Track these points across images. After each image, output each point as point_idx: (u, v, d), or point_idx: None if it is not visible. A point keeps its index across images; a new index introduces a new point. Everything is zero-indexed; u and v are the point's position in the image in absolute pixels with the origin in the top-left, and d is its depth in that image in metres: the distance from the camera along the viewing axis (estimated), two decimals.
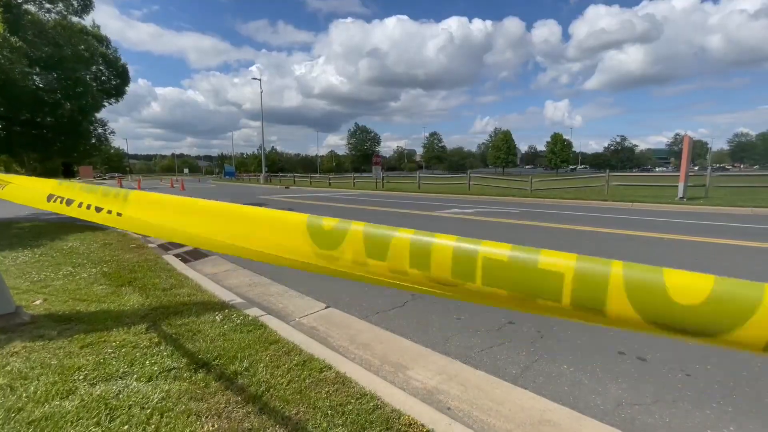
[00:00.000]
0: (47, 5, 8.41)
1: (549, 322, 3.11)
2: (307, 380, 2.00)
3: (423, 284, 0.53)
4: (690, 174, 12.88)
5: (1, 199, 1.76)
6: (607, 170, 17.47)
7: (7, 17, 7.44)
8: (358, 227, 0.57)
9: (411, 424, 1.68)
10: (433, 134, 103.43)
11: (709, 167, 15.36)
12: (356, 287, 4.06)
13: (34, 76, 8.53)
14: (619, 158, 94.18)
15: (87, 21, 10.09)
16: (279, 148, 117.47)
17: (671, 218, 9.24)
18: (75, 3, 9.06)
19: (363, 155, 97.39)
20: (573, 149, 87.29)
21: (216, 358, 2.24)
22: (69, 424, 1.59)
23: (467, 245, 0.52)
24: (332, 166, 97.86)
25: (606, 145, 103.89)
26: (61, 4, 8.41)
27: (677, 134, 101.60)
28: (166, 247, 6.25)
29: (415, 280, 0.53)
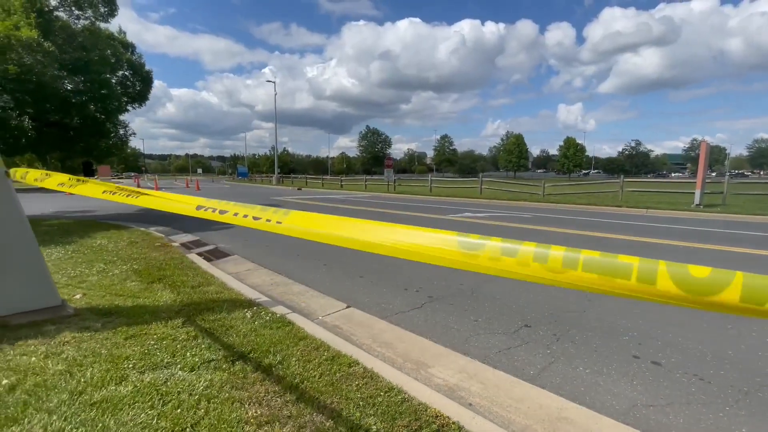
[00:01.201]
0: (77, 12, 8.79)
1: (565, 325, 3.20)
2: (337, 374, 2.14)
3: (539, 273, 0.77)
4: (707, 180, 12.73)
5: (143, 207, 1.92)
6: (622, 176, 17.34)
7: (39, 22, 7.80)
8: (495, 242, 0.82)
9: (437, 416, 1.80)
10: (444, 137, 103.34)
11: (727, 173, 15.15)
12: (374, 289, 4.19)
13: (64, 80, 8.91)
14: (634, 163, 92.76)
15: (113, 27, 10.50)
16: (290, 150, 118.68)
17: (687, 225, 9.17)
18: (102, 9, 9.44)
19: (374, 157, 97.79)
20: (586, 153, 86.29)
21: (250, 351, 2.39)
22: (127, 406, 1.76)
23: (572, 253, 0.78)
24: (343, 167, 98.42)
25: (620, 150, 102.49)
26: (89, 11, 8.79)
27: (694, 139, 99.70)
28: (188, 246, 6.48)
29: (535, 271, 0.77)
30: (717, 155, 57.44)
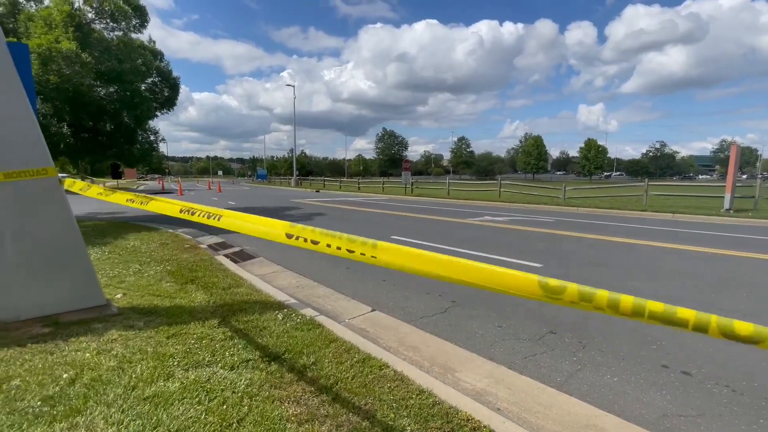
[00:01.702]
0: (112, 24, 9.24)
1: (591, 332, 3.20)
2: (369, 376, 2.22)
3: (611, 315, 0.94)
4: (738, 184, 12.29)
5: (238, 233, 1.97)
6: (646, 179, 16.90)
7: (78, 36, 8.24)
8: (573, 287, 0.95)
9: (468, 420, 1.86)
10: (462, 139, 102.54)
11: (759, 176, 14.57)
12: (397, 293, 4.27)
13: (99, 88, 9.36)
14: (658, 165, 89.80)
15: (144, 37, 10.97)
16: (308, 152, 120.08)
17: (718, 231, 8.90)
18: (134, 20, 9.87)
19: (390, 159, 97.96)
20: (608, 155, 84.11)
21: (285, 352, 2.50)
22: (177, 401, 1.89)
23: (640, 302, 0.94)
24: (359, 169, 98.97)
25: (644, 151, 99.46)
26: (123, 23, 9.23)
27: (723, 140, 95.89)
28: (215, 248, 6.71)
29: (609, 313, 0.94)
30: (748, 157, 55.14)
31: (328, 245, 1.30)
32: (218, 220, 1.67)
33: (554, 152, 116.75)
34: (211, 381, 2.10)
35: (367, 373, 2.26)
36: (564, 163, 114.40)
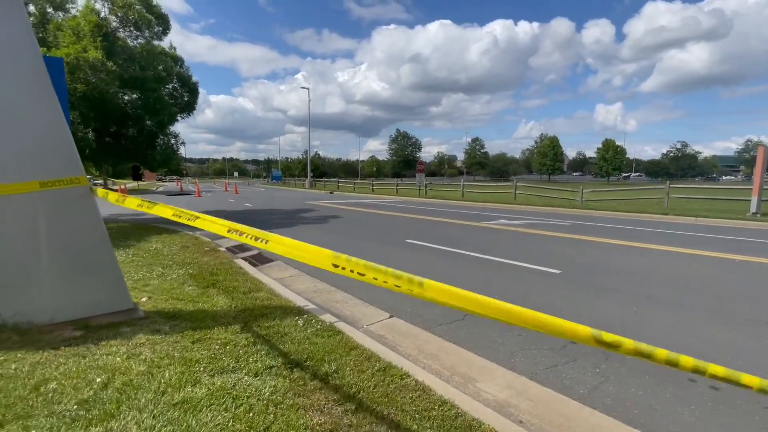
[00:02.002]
0: (135, 32, 9.53)
1: None
2: (391, 385, 2.24)
3: (664, 366, 0.99)
4: (765, 186, 11.86)
5: (282, 256, 1.97)
6: (668, 181, 16.47)
7: (104, 45, 8.52)
8: (629, 343, 1.00)
9: None
10: (476, 140, 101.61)
11: None
12: (415, 299, 4.26)
13: (123, 95, 9.65)
14: (680, 166, 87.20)
15: (165, 43, 11.27)
16: (321, 153, 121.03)
17: (745, 236, 8.61)
18: (157, 28, 10.14)
19: (404, 161, 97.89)
20: (626, 155, 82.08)
21: (306, 359, 2.54)
22: (205, 407, 1.94)
23: (701, 364, 1.00)
24: (373, 171, 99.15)
25: (664, 152, 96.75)
26: (147, 31, 9.51)
27: (748, 140, 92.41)
28: (233, 250, 6.83)
29: (658, 361, 1.00)
30: None
31: (374, 278, 1.32)
32: (265, 243, 1.70)
33: (570, 153, 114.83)
34: (237, 387, 2.15)
35: (389, 382, 2.27)
36: (580, 164, 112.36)
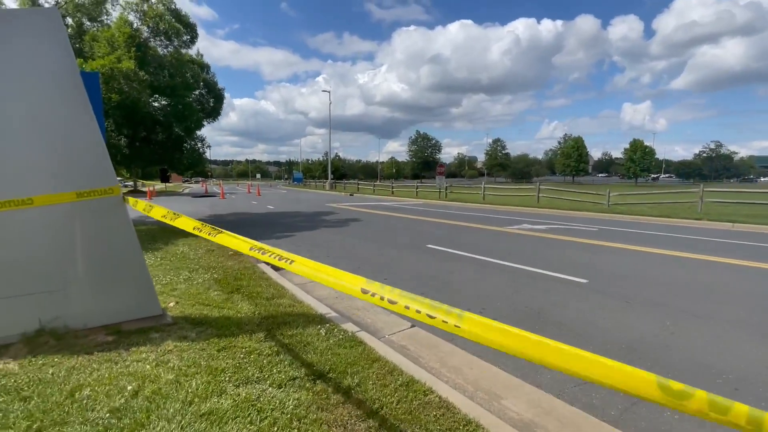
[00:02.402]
0: (165, 41, 9.89)
1: (646, 361, 3.01)
2: (414, 402, 2.21)
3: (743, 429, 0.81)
4: None
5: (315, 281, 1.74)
6: (701, 184, 15.73)
7: (137, 55, 8.86)
8: (701, 395, 0.83)
9: None
10: (497, 141, 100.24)
11: None
12: None
13: (153, 102, 10.02)
14: (713, 167, 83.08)
15: (192, 51, 11.64)
16: (341, 155, 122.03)
17: None
18: (185, 37, 10.48)
19: (423, 162, 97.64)
20: (655, 156, 78.95)
21: (329, 371, 2.54)
22: (231, 419, 1.96)
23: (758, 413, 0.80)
24: (392, 172, 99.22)
25: (696, 152, 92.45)
26: (176, 40, 9.85)
27: None
28: None
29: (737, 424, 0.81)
30: None
31: (407, 307, 1.23)
32: (289, 263, 1.65)
33: (596, 153, 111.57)
34: (261, 399, 2.16)
35: (412, 398, 2.25)
36: (606, 165, 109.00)
